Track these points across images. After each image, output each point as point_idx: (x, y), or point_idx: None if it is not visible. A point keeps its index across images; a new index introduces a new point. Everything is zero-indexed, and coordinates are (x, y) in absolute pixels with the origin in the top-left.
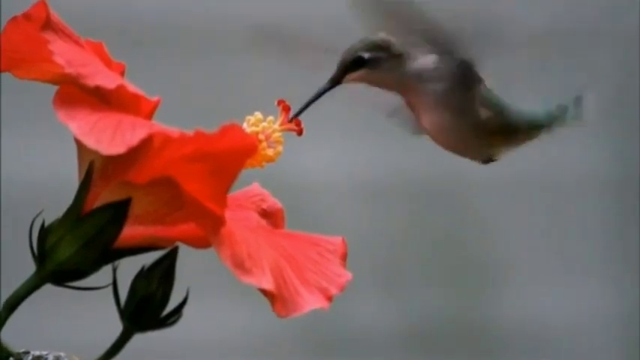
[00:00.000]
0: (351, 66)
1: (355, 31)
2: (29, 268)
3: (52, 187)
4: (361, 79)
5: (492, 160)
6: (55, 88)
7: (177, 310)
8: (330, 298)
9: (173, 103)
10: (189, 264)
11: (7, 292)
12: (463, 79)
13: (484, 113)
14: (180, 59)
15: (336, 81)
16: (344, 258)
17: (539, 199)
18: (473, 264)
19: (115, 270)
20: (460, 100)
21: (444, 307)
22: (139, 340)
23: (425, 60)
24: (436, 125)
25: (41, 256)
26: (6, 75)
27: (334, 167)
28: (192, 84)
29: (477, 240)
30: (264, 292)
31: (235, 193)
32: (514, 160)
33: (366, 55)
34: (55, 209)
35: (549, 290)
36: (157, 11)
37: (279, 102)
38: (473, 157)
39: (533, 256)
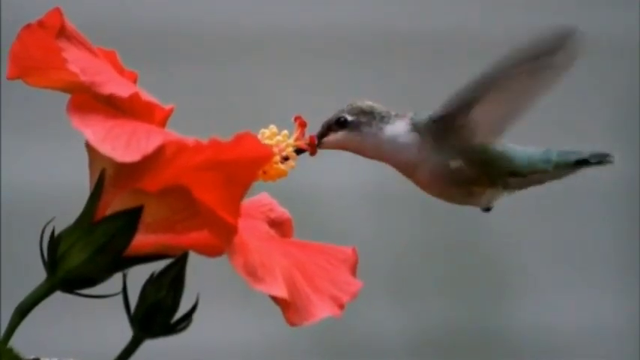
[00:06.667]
0: (334, 126)
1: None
2: (30, 272)
3: (52, 190)
4: (342, 143)
5: (489, 209)
6: (57, 93)
7: (187, 316)
8: (342, 306)
9: (179, 110)
10: (199, 270)
11: (8, 295)
12: (433, 137)
13: (454, 164)
14: (186, 67)
15: (318, 139)
16: (354, 267)
17: (552, 207)
18: (484, 272)
19: (125, 276)
20: (432, 158)
21: (455, 314)
22: (148, 346)
23: (399, 125)
24: (418, 183)
25: (52, 263)
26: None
27: (345, 175)
28: (196, 91)
29: (488, 247)
30: (277, 300)
31: (244, 202)
32: None
33: (350, 118)
34: (55, 213)
35: (561, 298)
36: (165, 19)
37: (296, 118)
38: (465, 204)
39: (545, 264)
